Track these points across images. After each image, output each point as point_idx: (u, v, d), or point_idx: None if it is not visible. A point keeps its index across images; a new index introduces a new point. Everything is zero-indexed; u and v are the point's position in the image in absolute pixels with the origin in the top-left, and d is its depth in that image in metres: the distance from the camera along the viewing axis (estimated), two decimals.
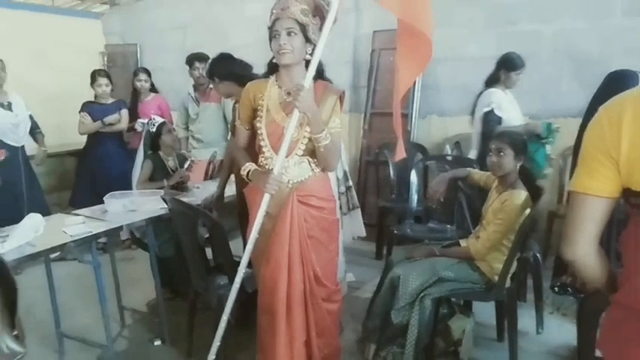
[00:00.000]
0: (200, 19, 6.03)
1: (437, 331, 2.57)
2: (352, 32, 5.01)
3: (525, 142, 2.52)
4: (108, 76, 4.38)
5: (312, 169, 2.13)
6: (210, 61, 3.20)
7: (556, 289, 2.60)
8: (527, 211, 2.41)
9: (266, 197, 2.01)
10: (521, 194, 2.44)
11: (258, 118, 2.12)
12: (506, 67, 3.56)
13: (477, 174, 2.85)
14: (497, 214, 2.45)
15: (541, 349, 2.78)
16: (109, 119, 4.32)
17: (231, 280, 2.08)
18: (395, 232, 3.47)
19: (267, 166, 2.11)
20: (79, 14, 6.59)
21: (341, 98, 2.12)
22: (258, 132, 2.12)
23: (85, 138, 4.55)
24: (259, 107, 2.12)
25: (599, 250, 1.12)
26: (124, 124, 4.45)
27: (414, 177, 3.70)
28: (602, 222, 1.07)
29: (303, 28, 2.01)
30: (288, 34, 1.98)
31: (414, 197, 3.68)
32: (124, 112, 4.45)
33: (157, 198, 2.79)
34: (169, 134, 3.46)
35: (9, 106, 3.90)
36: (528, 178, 2.52)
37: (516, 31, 4.29)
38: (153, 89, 4.80)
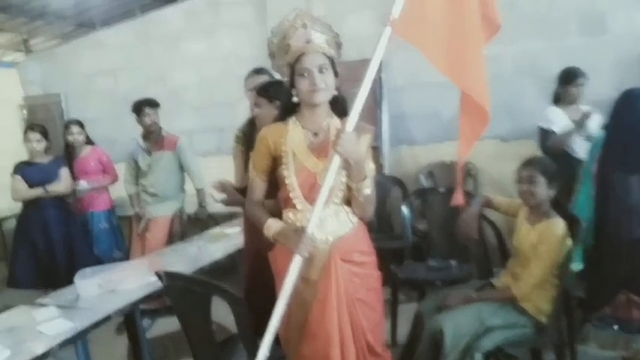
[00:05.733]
0: (133, 60, 5.59)
1: None
2: None
3: (556, 170, 2.37)
4: (43, 132, 3.78)
5: (351, 220, 1.83)
6: (254, 82, 2.75)
7: (595, 322, 2.46)
8: (569, 242, 2.24)
9: (297, 260, 1.67)
10: (560, 223, 2.26)
11: (283, 166, 1.79)
12: (561, 81, 3.47)
13: (496, 199, 2.66)
14: (537, 247, 2.25)
15: None
16: (52, 187, 3.72)
17: None
18: (399, 276, 3.18)
19: (297, 223, 1.78)
20: None
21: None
22: (286, 182, 1.78)
23: (14, 204, 3.90)
24: (282, 154, 1.80)
25: None
26: (66, 185, 3.84)
27: (406, 212, 3.46)
28: None
29: (332, 61, 1.75)
30: (320, 71, 1.69)
31: (409, 234, 3.44)
32: (64, 172, 3.85)
33: (137, 272, 2.32)
34: None
35: None
36: (561, 206, 2.35)
37: None
38: (88, 142, 4.26)
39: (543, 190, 2.30)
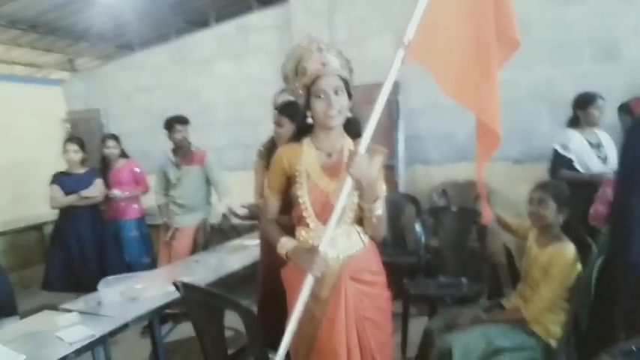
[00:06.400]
0: (167, 80, 5.65)
1: None
2: None
3: (568, 195, 2.24)
4: (80, 144, 3.81)
5: (362, 239, 1.75)
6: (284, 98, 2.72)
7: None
8: (579, 266, 2.11)
9: (309, 279, 1.60)
10: (570, 247, 2.13)
11: (297, 185, 1.73)
12: (579, 104, 3.30)
13: (507, 218, 2.55)
14: (547, 270, 2.13)
15: None
16: (86, 192, 3.73)
17: None
18: (411, 291, 3.07)
19: (310, 241, 1.71)
20: (39, 81, 5.98)
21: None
22: (300, 201, 1.72)
23: (53, 211, 3.92)
24: (297, 174, 1.74)
25: None
26: (99, 194, 3.86)
27: (419, 230, 3.36)
28: None
29: (346, 83, 1.69)
30: (336, 92, 1.64)
31: (422, 251, 3.33)
32: (98, 182, 3.87)
33: (159, 281, 2.28)
34: None
35: None
36: (573, 230, 2.22)
37: None
38: (123, 155, 4.27)
39: (552, 214, 2.19)
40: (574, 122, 3.36)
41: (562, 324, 2.12)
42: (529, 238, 2.35)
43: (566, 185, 2.30)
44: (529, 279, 2.25)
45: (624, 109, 3.20)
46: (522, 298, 2.27)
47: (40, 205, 3.83)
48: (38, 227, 5.05)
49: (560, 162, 3.24)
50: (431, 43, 1.55)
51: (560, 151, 3.25)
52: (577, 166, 3.20)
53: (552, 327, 2.13)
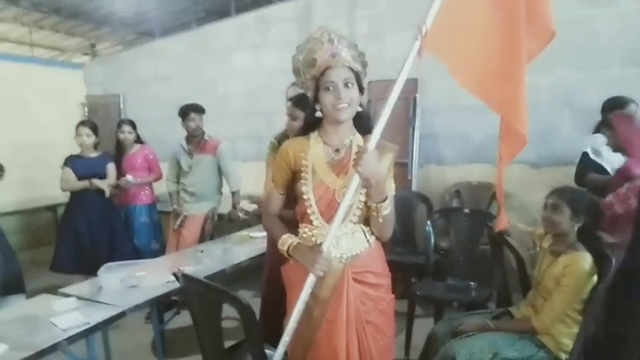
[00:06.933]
0: (186, 69, 5.61)
1: None
2: None
3: (587, 204, 2.10)
4: (93, 127, 3.76)
5: (367, 240, 1.65)
6: (295, 91, 2.65)
7: None
8: (595, 278, 1.98)
9: (311, 278, 1.51)
10: (586, 257, 2.00)
11: (302, 181, 1.63)
12: (609, 108, 3.08)
13: (520, 225, 2.43)
14: (561, 280, 2.00)
15: None
16: (98, 183, 3.68)
17: None
18: (418, 292, 2.97)
19: (313, 238, 1.62)
20: (60, 64, 5.97)
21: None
22: (304, 197, 1.63)
23: (66, 193, 3.89)
24: (302, 169, 1.64)
25: None
26: (111, 179, 3.82)
27: (429, 230, 3.24)
28: None
29: (357, 76, 1.59)
30: (346, 85, 1.54)
31: (431, 251, 3.22)
32: (111, 167, 3.83)
33: (160, 270, 2.21)
34: None
35: None
36: (591, 239, 2.09)
37: None
38: (138, 140, 4.22)
39: (566, 221, 2.05)
40: (602, 125, 3.16)
41: (573, 337, 1.99)
42: (542, 245, 2.23)
43: (585, 192, 2.17)
44: (541, 288, 2.12)
45: (606, 123, 3.02)
46: (533, 307, 2.15)
47: (55, 187, 3.78)
48: (52, 208, 5.05)
49: (588, 167, 3.03)
50: (448, 34, 1.43)
51: (592, 156, 3.04)
52: (611, 172, 3.01)
53: (563, 340, 2.01)
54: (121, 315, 1.95)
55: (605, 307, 1.96)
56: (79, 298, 2.05)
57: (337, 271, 1.58)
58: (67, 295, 2.08)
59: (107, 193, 3.72)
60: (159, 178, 4.20)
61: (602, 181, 2.90)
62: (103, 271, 2.22)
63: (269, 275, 2.43)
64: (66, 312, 1.86)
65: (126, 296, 2.11)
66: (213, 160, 3.88)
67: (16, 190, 4.93)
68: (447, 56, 1.44)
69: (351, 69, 1.57)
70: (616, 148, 2.89)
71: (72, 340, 1.67)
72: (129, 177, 4.01)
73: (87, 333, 1.76)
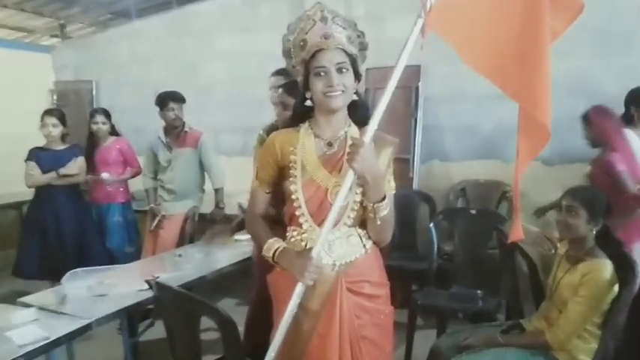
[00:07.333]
0: (165, 53, 5.53)
1: None
2: None
3: (606, 205, 2.06)
4: (60, 117, 3.68)
5: (364, 245, 1.60)
6: (279, 81, 2.67)
7: None
8: (616, 288, 1.93)
9: (299, 287, 1.46)
10: (607, 265, 1.95)
11: (291, 179, 1.57)
12: (635, 101, 3.02)
13: (534, 228, 2.40)
14: (578, 290, 1.96)
15: None
16: (64, 170, 3.60)
17: None
18: (419, 301, 2.93)
19: (302, 243, 1.56)
20: (26, 47, 5.88)
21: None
22: (292, 197, 1.57)
23: (32, 190, 3.81)
24: (290, 164, 1.58)
25: None
26: (80, 173, 3.73)
27: (432, 232, 3.21)
28: None
29: (353, 60, 1.53)
30: (339, 70, 1.48)
31: (434, 257, 3.18)
32: (80, 160, 3.74)
33: (133, 276, 2.15)
34: None
35: None
36: (612, 244, 2.04)
37: None
38: (113, 132, 4.14)
39: (582, 225, 2.01)
40: (627, 121, 3.12)
41: (592, 354, 1.95)
42: (558, 251, 2.19)
43: (603, 193, 2.12)
44: (556, 298, 2.08)
45: (585, 119, 3.03)
46: (546, 319, 2.11)
47: (21, 183, 3.70)
48: (17, 206, 4.96)
49: None
50: (456, 10, 1.36)
51: None
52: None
53: (580, 356, 1.97)
54: (87, 328, 1.88)
55: (630, 315, 1.94)
56: (41, 308, 1.99)
57: (329, 280, 1.53)
58: (27, 305, 2.01)
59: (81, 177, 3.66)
60: (138, 172, 4.12)
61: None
62: (67, 278, 2.16)
63: (259, 284, 2.37)
64: (24, 325, 1.79)
65: (92, 307, 2.05)
66: (194, 153, 3.81)
67: None
68: (454, 36, 1.38)
69: (346, 52, 1.51)
70: (594, 143, 2.93)
71: (30, 356, 1.62)
72: (105, 175, 3.94)
73: (47, 348, 1.70)
